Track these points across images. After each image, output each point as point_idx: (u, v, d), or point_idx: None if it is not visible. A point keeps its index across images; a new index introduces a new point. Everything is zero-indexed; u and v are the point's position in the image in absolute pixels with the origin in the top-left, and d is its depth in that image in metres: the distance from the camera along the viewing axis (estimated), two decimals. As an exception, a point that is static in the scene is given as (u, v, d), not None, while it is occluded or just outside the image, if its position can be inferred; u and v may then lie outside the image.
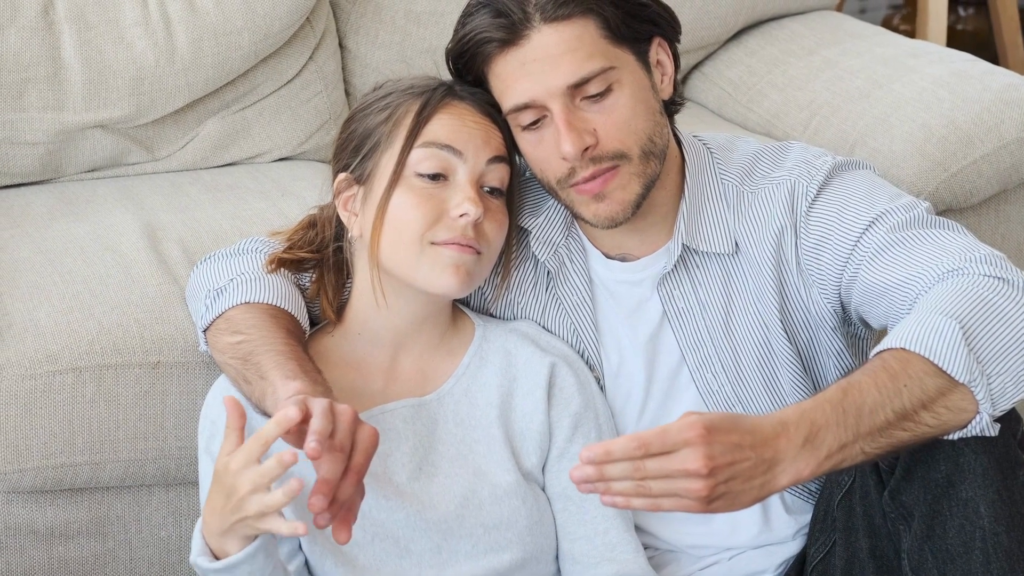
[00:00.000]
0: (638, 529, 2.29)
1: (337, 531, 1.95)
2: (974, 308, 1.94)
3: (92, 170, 2.83)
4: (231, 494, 1.92)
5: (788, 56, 3.14)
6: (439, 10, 2.99)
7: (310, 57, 2.94)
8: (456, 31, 2.17)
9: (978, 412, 1.91)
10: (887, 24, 4.87)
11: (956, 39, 4.85)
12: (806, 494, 2.28)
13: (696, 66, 3.29)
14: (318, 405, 1.93)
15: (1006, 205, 2.83)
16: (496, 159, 2.16)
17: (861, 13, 5.16)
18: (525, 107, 2.12)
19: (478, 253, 2.14)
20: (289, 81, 2.91)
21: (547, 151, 2.13)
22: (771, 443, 1.84)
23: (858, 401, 1.87)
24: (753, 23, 3.29)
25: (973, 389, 1.90)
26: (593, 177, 2.11)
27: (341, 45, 3.03)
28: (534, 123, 2.13)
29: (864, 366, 1.92)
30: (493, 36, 2.10)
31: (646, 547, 2.31)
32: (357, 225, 2.18)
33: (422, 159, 2.13)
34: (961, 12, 4.86)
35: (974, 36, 4.81)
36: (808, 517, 2.27)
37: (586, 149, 2.10)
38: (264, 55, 2.85)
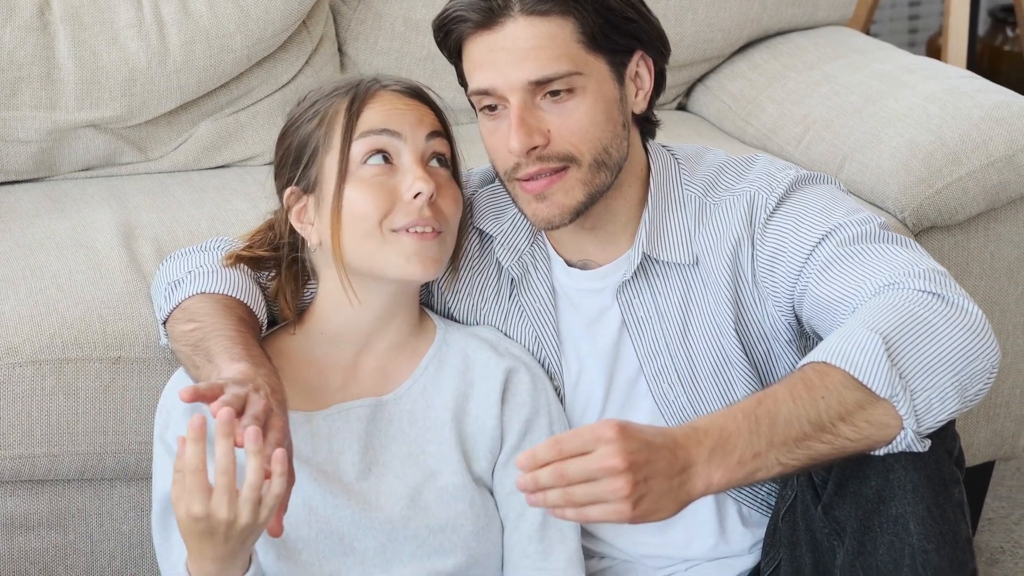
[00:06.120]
0: (595, 539, 2.30)
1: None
2: (902, 322, 1.92)
3: (86, 169, 2.86)
4: (213, 521, 1.91)
5: (789, 71, 3.11)
6: (438, 18, 2.99)
7: (306, 62, 2.95)
8: (445, 4, 2.18)
9: (902, 428, 1.89)
10: (931, 44, 4.83)
11: (1003, 60, 4.80)
12: (764, 507, 2.27)
13: (700, 79, 3.27)
14: (233, 389, 1.95)
15: (996, 224, 2.77)
16: (433, 134, 2.18)
17: (911, 33, 5.12)
18: (485, 92, 2.12)
19: (438, 233, 2.14)
20: (284, 85, 2.93)
21: (499, 142, 2.13)
22: (682, 447, 1.84)
23: (772, 410, 1.86)
24: (760, 37, 3.26)
25: (895, 404, 1.88)
26: (538, 175, 2.11)
27: (340, 51, 3.04)
28: (492, 108, 2.12)
29: (784, 378, 1.91)
30: (469, 17, 2.10)
31: (602, 557, 2.31)
32: (315, 233, 2.19)
33: (364, 148, 2.15)
34: (1009, 33, 4.80)
35: (1020, 57, 4.75)
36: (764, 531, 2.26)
37: (534, 148, 2.09)
38: (257, 59, 2.87)
